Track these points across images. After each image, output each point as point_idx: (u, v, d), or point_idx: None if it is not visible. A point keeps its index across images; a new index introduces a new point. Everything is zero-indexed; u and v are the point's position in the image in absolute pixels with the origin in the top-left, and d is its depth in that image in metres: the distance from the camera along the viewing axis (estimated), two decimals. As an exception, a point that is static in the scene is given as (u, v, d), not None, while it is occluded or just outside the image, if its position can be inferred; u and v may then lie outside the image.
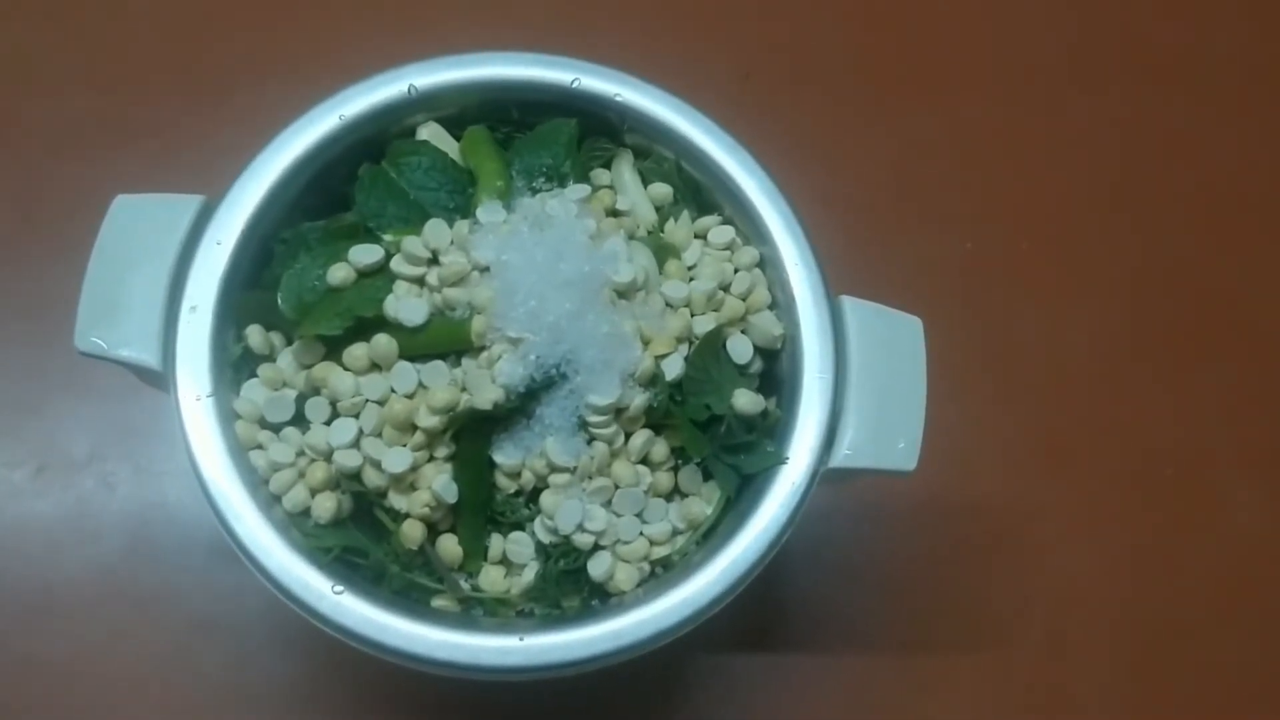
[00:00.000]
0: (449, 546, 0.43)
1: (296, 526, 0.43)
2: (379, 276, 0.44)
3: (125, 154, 0.63)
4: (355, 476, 0.42)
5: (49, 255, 0.54)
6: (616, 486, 0.43)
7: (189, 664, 0.56)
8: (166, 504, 0.57)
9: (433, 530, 0.43)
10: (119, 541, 0.57)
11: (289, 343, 0.45)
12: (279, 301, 0.43)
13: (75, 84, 0.65)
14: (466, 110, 0.49)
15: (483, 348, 0.42)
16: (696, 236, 0.48)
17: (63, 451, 0.58)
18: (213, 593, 0.56)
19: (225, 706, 0.55)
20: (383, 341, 0.42)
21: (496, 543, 0.44)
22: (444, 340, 0.42)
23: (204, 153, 0.53)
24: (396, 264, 0.43)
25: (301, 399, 0.43)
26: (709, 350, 0.45)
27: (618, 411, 0.43)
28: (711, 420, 0.44)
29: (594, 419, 0.42)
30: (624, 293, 0.44)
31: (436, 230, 0.44)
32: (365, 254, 0.44)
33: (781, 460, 0.44)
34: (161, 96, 0.64)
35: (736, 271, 0.47)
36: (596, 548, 0.43)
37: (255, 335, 0.44)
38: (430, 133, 0.48)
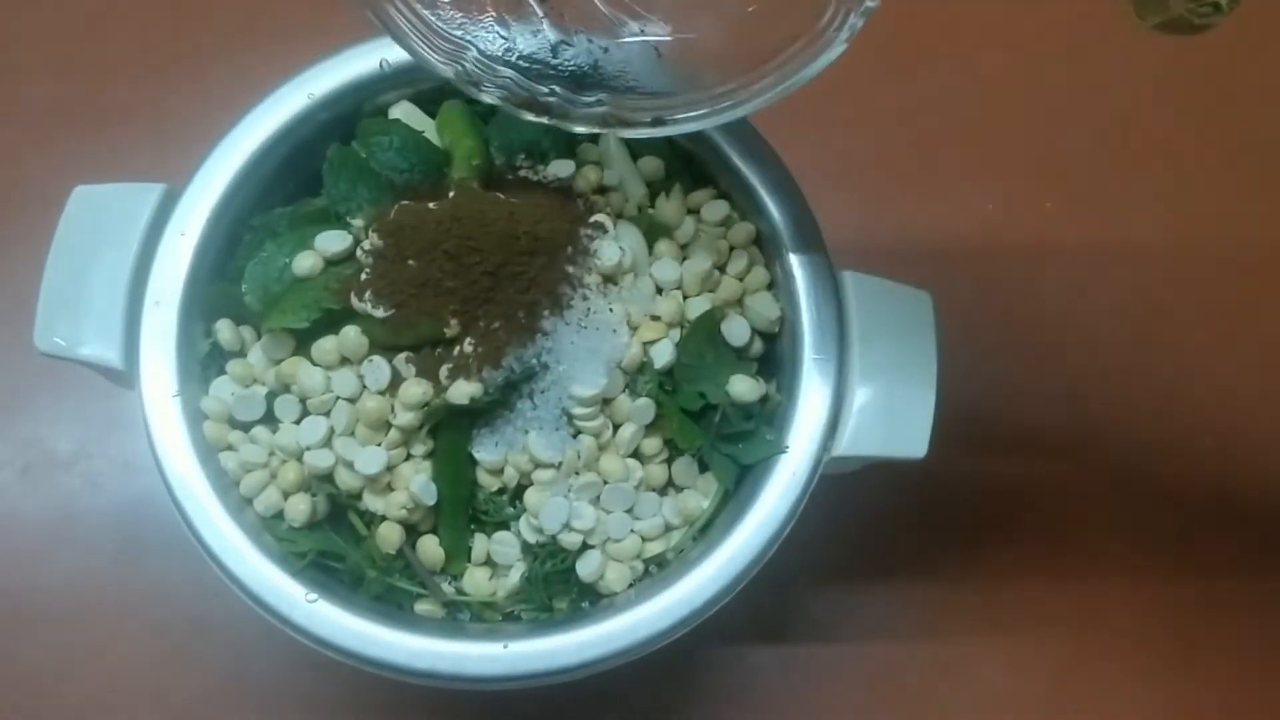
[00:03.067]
0: (430, 548, 0.41)
1: (269, 530, 0.41)
2: (347, 265, 0.41)
3: (96, 140, 0.60)
4: (327, 478, 0.40)
5: (23, 246, 0.52)
6: (605, 482, 0.41)
7: (182, 664, 0.54)
8: (155, 501, 0.55)
9: (413, 531, 0.41)
10: (107, 542, 0.55)
11: (260, 337, 0.43)
12: (243, 293, 0.41)
13: (40, 68, 0.62)
14: (445, 84, 0.46)
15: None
16: (690, 212, 0.45)
17: (47, 450, 0.56)
18: (205, 591, 0.53)
19: (220, 706, 0.54)
20: (352, 334, 0.40)
21: (480, 543, 0.42)
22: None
23: (178, 137, 0.51)
24: (364, 253, 0.41)
25: (272, 396, 0.41)
26: (703, 334, 0.42)
27: (604, 403, 0.41)
28: (706, 409, 0.42)
29: (578, 411, 0.40)
30: (610, 276, 0.41)
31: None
32: (332, 241, 0.41)
33: (782, 449, 0.42)
34: (131, 79, 0.62)
35: (732, 249, 0.45)
36: (585, 547, 0.41)
37: (225, 330, 0.42)
38: (403, 112, 0.45)
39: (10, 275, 0.56)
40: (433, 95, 0.46)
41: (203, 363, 0.42)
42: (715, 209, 0.45)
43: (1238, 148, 0.66)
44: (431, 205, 0.40)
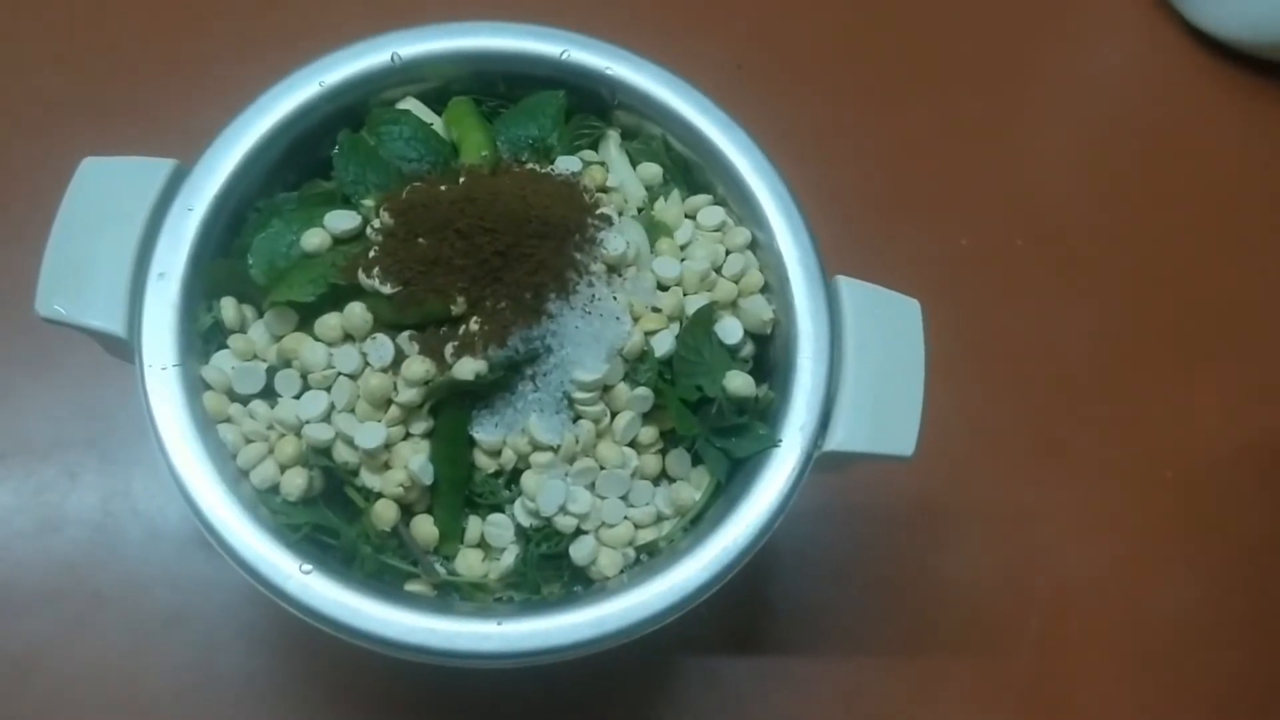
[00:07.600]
0: (424, 528, 0.41)
1: (265, 503, 0.40)
2: (355, 244, 0.42)
3: (98, 133, 0.61)
4: (325, 452, 0.40)
5: (8, 234, 0.52)
6: (601, 468, 0.41)
7: (152, 658, 0.53)
8: (131, 494, 0.55)
9: (407, 511, 0.41)
10: (80, 533, 0.54)
11: (262, 316, 0.43)
12: (249, 266, 0.42)
13: (49, 61, 0.63)
14: (452, 83, 0.47)
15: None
16: (687, 217, 0.47)
17: (24, 439, 0.56)
18: (177, 586, 0.53)
19: (189, 701, 0.53)
20: (357, 310, 0.40)
21: (474, 525, 0.42)
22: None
23: (183, 130, 0.51)
24: (374, 230, 0.41)
25: (272, 372, 0.41)
26: (700, 329, 0.43)
27: (604, 390, 0.41)
28: (702, 402, 0.42)
29: (579, 395, 0.41)
30: (614, 266, 0.42)
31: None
32: (342, 220, 0.42)
33: (774, 443, 0.42)
34: (139, 73, 0.62)
35: (728, 253, 0.46)
36: (579, 531, 0.41)
37: (229, 309, 0.42)
38: (410, 108, 0.46)
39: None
40: (442, 92, 0.47)
41: (204, 336, 0.42)
42: (711, 215, 0.46)
43: (1199, 195, 0.69)
44: (443, 188, 0.41)
